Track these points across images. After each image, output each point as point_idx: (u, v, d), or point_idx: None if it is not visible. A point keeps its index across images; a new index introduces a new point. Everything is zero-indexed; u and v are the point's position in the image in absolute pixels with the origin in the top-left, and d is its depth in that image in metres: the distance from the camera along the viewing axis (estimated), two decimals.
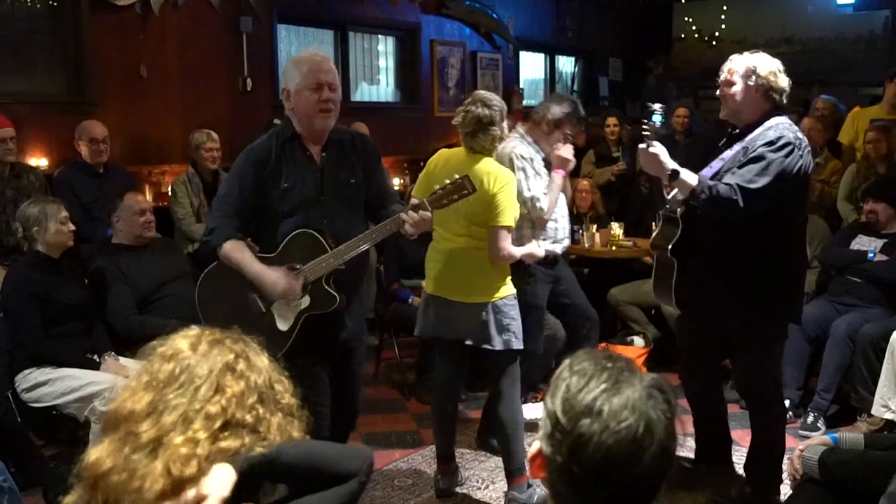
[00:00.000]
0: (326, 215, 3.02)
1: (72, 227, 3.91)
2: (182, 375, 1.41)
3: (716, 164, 3.34)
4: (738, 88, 3.30)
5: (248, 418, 1.42)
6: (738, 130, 3.37)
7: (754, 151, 3.20)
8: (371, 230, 3.01)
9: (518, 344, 3.55)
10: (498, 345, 3.50)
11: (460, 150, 3.62)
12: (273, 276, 2.94)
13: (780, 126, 3.24)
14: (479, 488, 3.85)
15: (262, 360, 1.51)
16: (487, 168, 3.46)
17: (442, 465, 3.82)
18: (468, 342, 3.53)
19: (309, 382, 2.98)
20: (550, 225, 4.19)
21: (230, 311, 2.95)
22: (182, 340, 1.46)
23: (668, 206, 3.41)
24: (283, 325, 3.01)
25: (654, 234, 3.57)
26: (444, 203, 2.97)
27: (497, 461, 4.04)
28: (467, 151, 3.55)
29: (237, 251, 2.97)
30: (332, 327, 3.09)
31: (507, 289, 3.54)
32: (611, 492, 1.20)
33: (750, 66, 3.30)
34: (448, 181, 2.96)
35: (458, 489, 3.81)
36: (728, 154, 3.33)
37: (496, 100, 3.54)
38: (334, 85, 2.99)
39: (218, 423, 1.38)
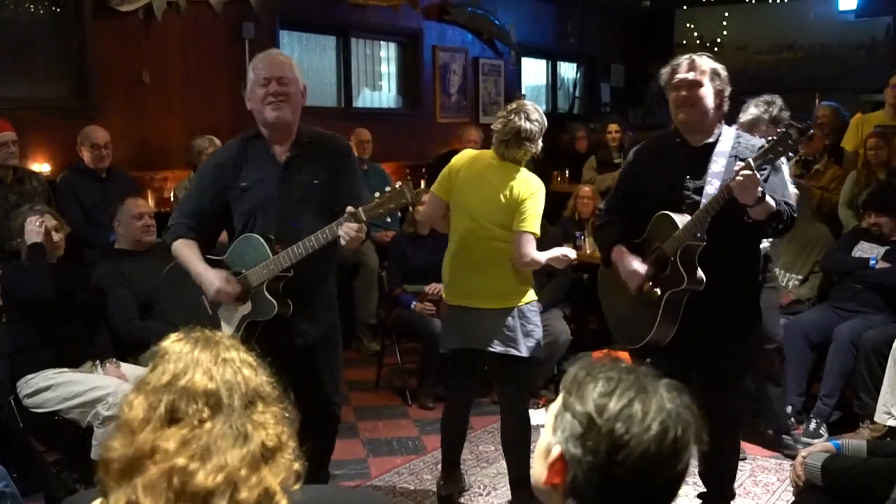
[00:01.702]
0: (287, 217, 2.97)
1: (58, 236, 3.89)
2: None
3: (714, 182, 3.02)
4: (706, 91, 3.05)
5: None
6: (679, 141, 3.12)
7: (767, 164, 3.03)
8: (309, 237, 2.89)
9: (540, 352, 3.53)
10: (524, 351, 3.45)
11: (488, 153, 3.53)
12: (209, 277, 2.95)
13: (746, 134, 3.24)
14: (481, 494, 3.84)
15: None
16: (518, 175, 3.42)
17: (446, 471, 3.79)
18: (496, 349, 3.43)
19: None
20: None
21: (182, 309, 3.06)
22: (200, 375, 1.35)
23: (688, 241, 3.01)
24: (227, 329, 2.97)
25: (661, 279, 3.11)
26: (381, 213, 2.87)
27: (499, 467, 4.04)
28: (497, 157, 3.46)
29: (184, 249, 3.01)
30: (283, 334, 3.00)
31: (531, 294, 3.51)
32: (644, 492, 1.22)
33: (714, 67, 3.08)
34: (387, 189, 2.85)
35: (460, 496, 3.80)
36: (716, 169, 3.04)
37: (538, 114, 3.43)
38: (285, 79, 2.96)
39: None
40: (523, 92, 9.72)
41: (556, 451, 1.26)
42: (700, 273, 3.00)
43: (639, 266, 3.15)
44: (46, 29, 5.64)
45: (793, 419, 4.48)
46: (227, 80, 6.53)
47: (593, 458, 1.22)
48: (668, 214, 3.05)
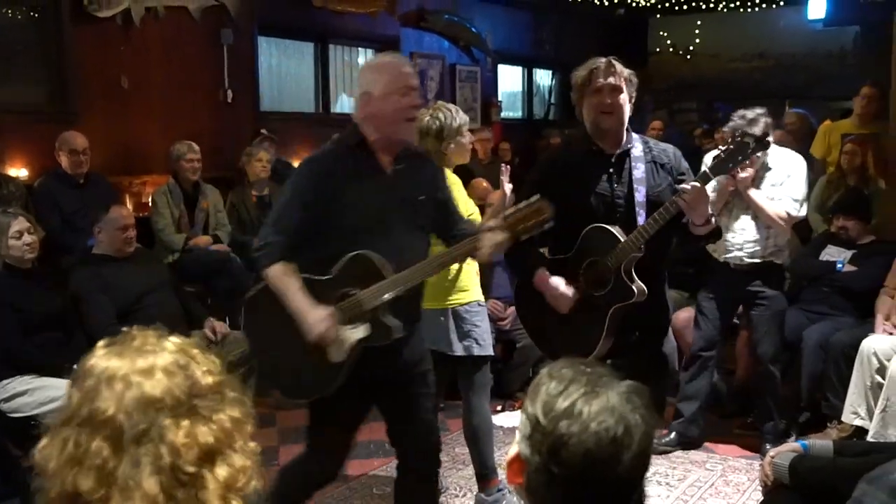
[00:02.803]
0: (392, 234, 2.67)
1: (30, 238, 3.87)
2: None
3: (640, 188, 3.03)
4: (625, 97, 3.00)
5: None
6: (595, 149, 3.11)
7: (681, 167, 3.15)
8: (442, 254, 2.72)
9: (480, 350, 3.51)
10: (458, 350, 3.48)
11: None
12: (316, 317, 2.56)
13: (652, 139, 3.27)
14: (457, 496, 3.89)
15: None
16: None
17: None
18: (432, 347, 3.35)
19: (329, 416, 2.79)
20: None
21: (279, 340, 2.68)
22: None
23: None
24: (336, 356, 2.64)
25: (602, 293, 3.04)
26: (520, 230, 2.61)
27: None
28: None
29: (284, 277, 2.61)
30: (382, 360, 2.70)
31: (470, 295, 3.51)
32: (589, 492, 1.23)
33: (629, 73, 3.03)
34: (524, 202, 2.62)
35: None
36: (638, 175, 3.03)
37: (445, 114, 3.46)
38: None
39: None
40: (500, 98, 9.80)
41: (514, 451, 1.29)
42: (641, 284, 3.00)
43: (566, 289, 3.04)
44: (25, 34, 5.66)
45: None
46: (206, 85, 6.56)
47: (539, 457, 1.24)
48: (604, 227, 3.00)
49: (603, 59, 3.02)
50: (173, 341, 1.27)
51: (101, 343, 1.26)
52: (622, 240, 2.97)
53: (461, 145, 3.55)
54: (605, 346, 3.06)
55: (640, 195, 3.01)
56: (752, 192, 4.11)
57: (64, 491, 1.17)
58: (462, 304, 3.49)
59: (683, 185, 2.93)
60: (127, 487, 1.15)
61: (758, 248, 4.15)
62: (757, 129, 3.82)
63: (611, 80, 2.98)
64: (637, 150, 3.09)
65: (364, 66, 2.95)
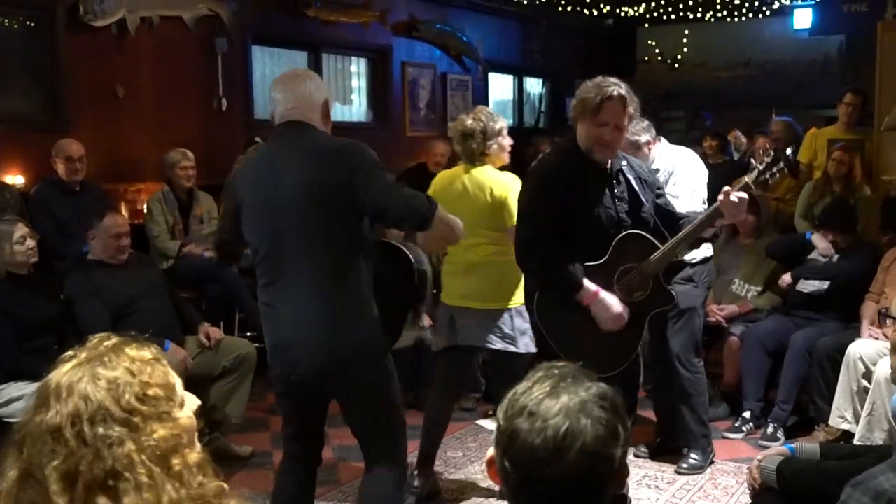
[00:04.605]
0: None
1: (31, 243, 3.91)
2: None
3: (640, 203, 3.17)
4: (624, 132, 3.15)
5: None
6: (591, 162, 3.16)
7: (657, 182, 3.35)
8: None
9: (533, 347, 3.63)
10: (522, 348, 3.65)
11: (459, 168, 3.80)
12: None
13: (626, 154, 3.38)
14: (450, 500, 3.91)
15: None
16: (491, 176, 3.67)
17: (421, 467, 3.86)
18: (496, 346, 3.66)
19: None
20: None
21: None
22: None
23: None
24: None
25: (641, 301, 3.14)
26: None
27: (467, 472, 4.15)
28: (464, 166, 3.75)
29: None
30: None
31: (521, 296, 3.63)
32: (537, 491, 1.24)
33: (635, 104, 3.09)
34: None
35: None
36: (636, 189, 3.16)
37: (486, 116, 3.73)
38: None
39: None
40: (490, 107, 9.87)
41: (490, 452, 1.32)
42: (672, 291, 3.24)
43: (621, 308, 3.07)
44: (20, 43, 5.67)
45: (751, 423, 4.64)
46: (200, 94, 6.60)
47: (500, 453, 1.28)
48: (640, 234, 3.09)
49: (616, 90, 3.00)
50: (128, 354, 1.27)
51: (65, 355, 1.29)
52: (660, 246, 3.08)
53: (502, 146, 3.77)
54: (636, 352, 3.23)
55: (643, 210, 3.15)
56: None
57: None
58: (520, 305, 3.65)
59: (733, 196, 2.94)
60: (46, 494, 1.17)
61: None
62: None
63: (618, 120, 3.00)
64: (626, 166, 3.20)
65: None
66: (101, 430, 1.19)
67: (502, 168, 3.80)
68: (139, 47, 6.14)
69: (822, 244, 4.90)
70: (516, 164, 4.39)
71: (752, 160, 3.20)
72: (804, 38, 9.46)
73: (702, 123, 9.43)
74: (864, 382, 4.09)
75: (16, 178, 5.36)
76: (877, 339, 4.26)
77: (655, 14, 11.03)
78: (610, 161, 3.14)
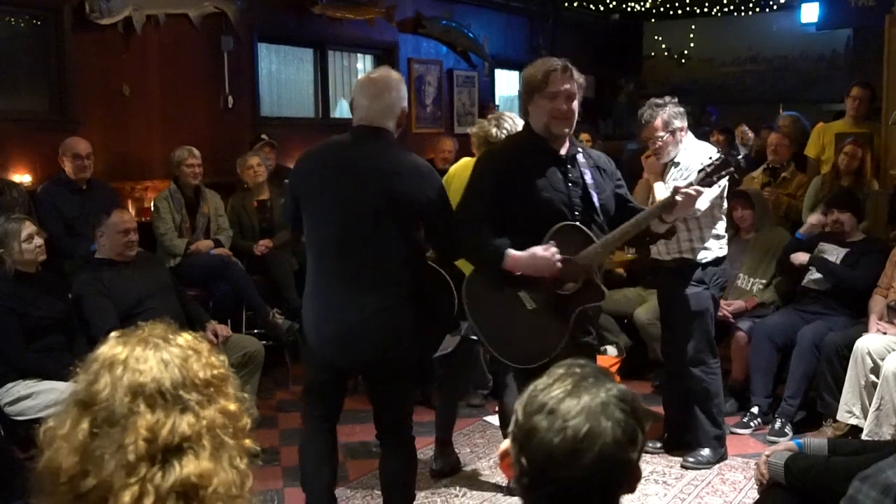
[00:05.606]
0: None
1: (39, 241, 3.92)
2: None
3: (594, 192, 3.09)
4: (577, 103, 3.06)
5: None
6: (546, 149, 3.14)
7: (617, 174, 3.28)
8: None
9: None
10: None
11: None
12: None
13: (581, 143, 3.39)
14: (457, 496, 3.91)
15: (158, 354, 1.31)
16: None
17: (440, 446, 4.07)
18: None
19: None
20: None
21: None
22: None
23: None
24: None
25: (572, 294, 3.05)
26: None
27: (474, 469, 4.15)
28: None
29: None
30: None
31: None
32: (548, 491, 1.24)
33: (582, 79, 3.08)
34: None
35: (436, 497, 3.89)
36: (589, 179, 3.10)
37: (511, 124, 3.70)
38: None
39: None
40: (497, 103, 9.87)
41: (505, 444, 1.32)
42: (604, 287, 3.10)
43: (548, 253, 2.92)
44: (26, 42, 5.70)
45: (759, 419, 4.63)
46: (206, 92, 6.61)
47: (517, 449, 1.27)
48: (578, 226, 3.00)
49: (559, 62, 2.99)
50: (183, 336, 1.36)
51: (113, 333, 1.35)
52: (596, 240, 2.99)
53: None
54: (566, 346, 3.00)
55: (596, 198, 3.05)
56: (657, 185, 4.14)
57: (48, 466, 1.25)
58: None
59: (686, 189, 2.97)
60: (97, 467, 1.22)
61: (672, 244, 3.98)
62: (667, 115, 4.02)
63: (567, 86, 2.96)
64: (581, 154, 3.12)
65: None
66: (182, 394, 1.27)
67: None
68: (145, 45, 6.15)
69: (813, 219, 4.93)
70: None
71: (710, 159, 3.12)
72: (811, 33, 9.42)
73: (707, 119, 9.39)
74: (873, 377, 4.09)
75: (23, 177, 5.37)
76: (885, 333, 4.26)
77: (662, 9, 11.01)
78: (566, 147, 3.07)
